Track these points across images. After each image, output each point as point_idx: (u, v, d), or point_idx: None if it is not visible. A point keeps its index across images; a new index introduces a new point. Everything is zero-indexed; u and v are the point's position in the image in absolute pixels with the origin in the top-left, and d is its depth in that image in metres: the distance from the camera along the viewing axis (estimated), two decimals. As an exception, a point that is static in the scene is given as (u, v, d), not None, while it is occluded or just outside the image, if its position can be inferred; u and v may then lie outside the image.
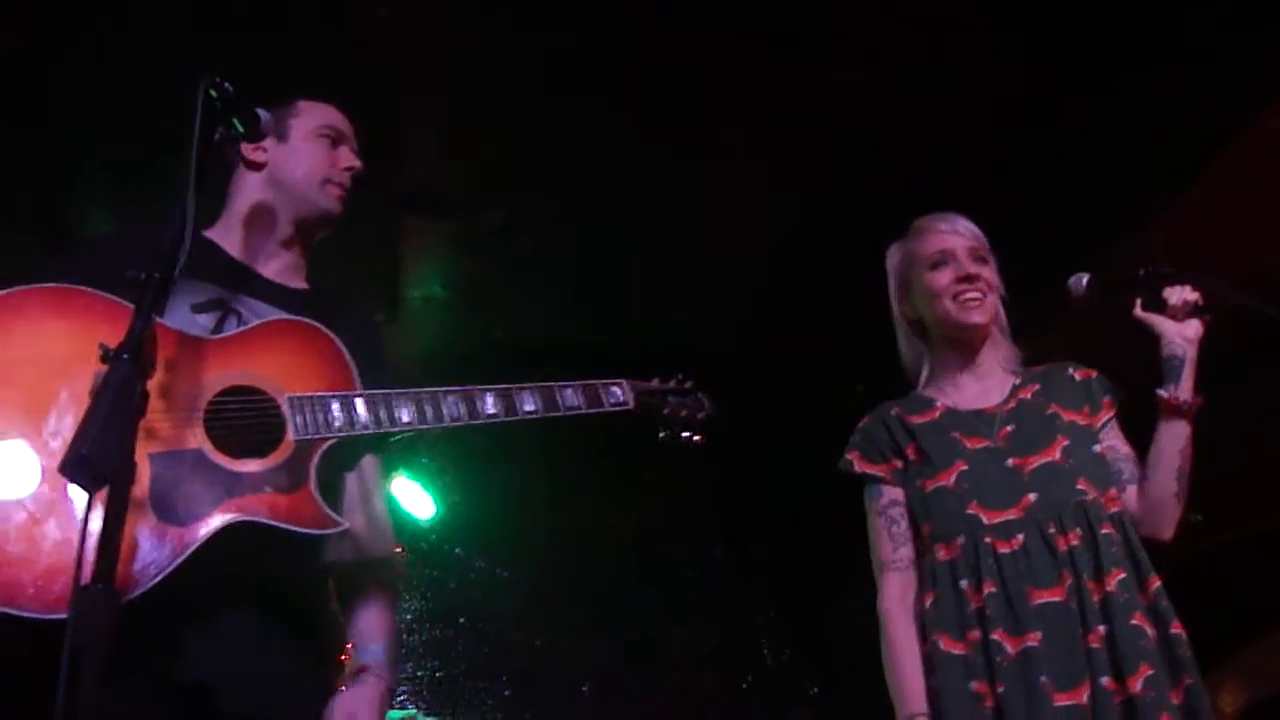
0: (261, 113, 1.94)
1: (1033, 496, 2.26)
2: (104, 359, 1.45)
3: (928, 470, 2.36)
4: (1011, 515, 2.25)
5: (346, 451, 1.99)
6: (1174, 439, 2.31)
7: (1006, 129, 4.28)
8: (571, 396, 2.04)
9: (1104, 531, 2.23)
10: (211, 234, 2.18)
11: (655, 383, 2.22)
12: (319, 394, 1.85)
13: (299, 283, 2.22)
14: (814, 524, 6.15)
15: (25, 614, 1.53)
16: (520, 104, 4.30)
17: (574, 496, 6.61)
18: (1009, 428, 2.38)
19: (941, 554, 2.27)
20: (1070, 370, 2.51)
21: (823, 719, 6.99)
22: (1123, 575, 2.19)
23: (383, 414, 1.87)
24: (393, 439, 2.01)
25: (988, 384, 2.48)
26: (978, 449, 2.36)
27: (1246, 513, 6.44)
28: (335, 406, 1.85)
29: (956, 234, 2.48)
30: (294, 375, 1.87)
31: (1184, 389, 2.30)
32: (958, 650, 2.17)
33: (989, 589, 2.17)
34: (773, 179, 4.77)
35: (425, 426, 1.89)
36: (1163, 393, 2.31)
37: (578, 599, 6.67)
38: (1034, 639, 2.11)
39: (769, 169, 4.70)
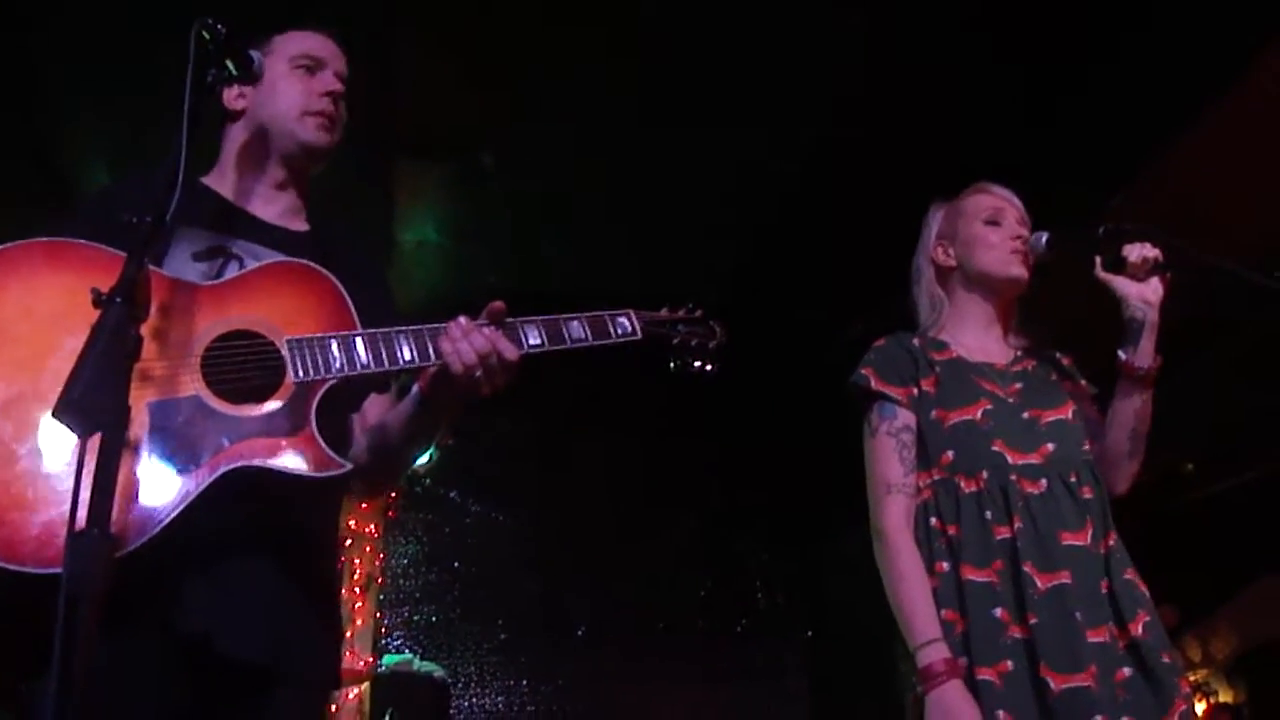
0: (255, 54, 1.93)
1: (1050, 447, 2.31)
2: (96, 304, 1.43)
3: (949, 402, 2.37)
4: (1034, 460, 2.28)
5: (348, 392, 1.96)
6: (1130, 401, 2.36)
7: (1007, 85, 4.26)
8: (578, 328, 1.99)
9: (1103, 492, 2.32)
10: (208, 180, 2.15)
11: (664, 312, 2.16)
12: (318, 335, 1.83)
13: (300, 224, 2.18)
14: (808, 469, 6.19)
15: (25, 569, 1.51)
16: (515, 46, 4.25)
17: (569, 441, 6.64)
18: (1018, 385, 2.43)
19: (966, 486, 2.27)
20: (1058, 355, 2.58)
21: (815, 661, 7.08)
22: (1115, 535, 2.28)
23: (383, 352, 1.84)
24: (394, 378, 1.99)
25: (995, 346, 2.53)
26: (995, 394, 2.39)
27: (1238, 461, 6.48)
28: (335, 346, 1.82)
29: (1011, 203, 2.56)
30: (292, 317, 1.84)
31: (1143, 353, 2.33)
32: (982, 578, 2.19)
33: (1019, 523, 2.20)
34: (771, 124, 4.73)
35: (428, 364, 1.86)
36: (1122, 355, 2.35)
37: (573, 543, 6.72)
38: (1065, 576, 2.16)
39: (767, 114, 4.66)
